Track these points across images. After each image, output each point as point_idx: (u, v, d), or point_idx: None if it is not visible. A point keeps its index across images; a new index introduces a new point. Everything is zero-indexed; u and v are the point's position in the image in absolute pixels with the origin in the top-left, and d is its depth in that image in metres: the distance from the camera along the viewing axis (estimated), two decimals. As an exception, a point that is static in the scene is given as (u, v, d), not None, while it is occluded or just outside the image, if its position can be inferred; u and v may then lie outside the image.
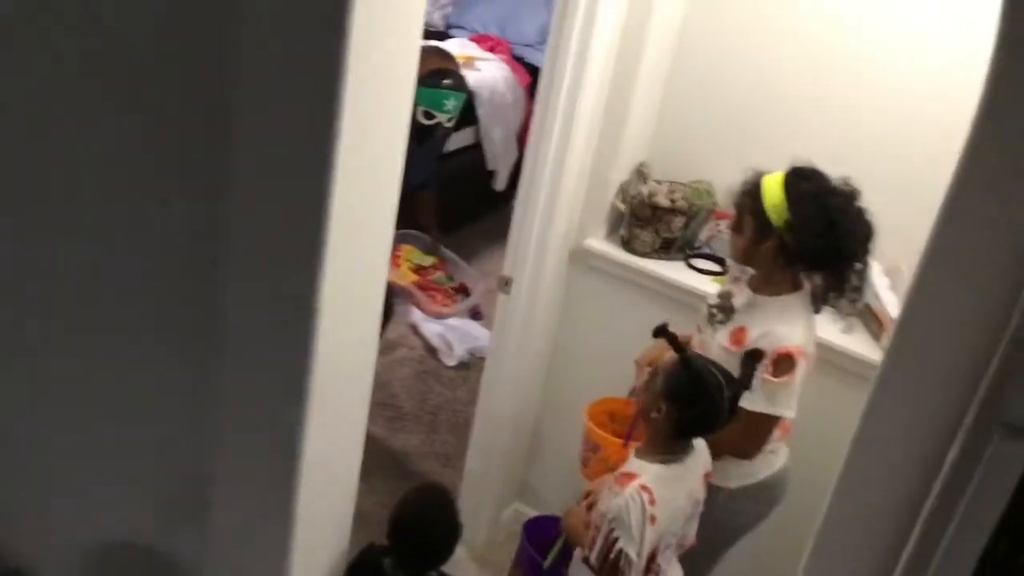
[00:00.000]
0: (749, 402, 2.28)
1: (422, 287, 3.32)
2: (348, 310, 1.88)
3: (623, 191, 2.95)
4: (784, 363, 2.29)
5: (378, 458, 3.62)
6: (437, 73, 3.14)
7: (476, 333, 4.34)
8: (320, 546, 2.16)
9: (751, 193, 2.31)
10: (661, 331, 2.24)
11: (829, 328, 2.71)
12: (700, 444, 2.29)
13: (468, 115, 4.98)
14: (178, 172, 1.88)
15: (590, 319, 3.10)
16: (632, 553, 2.13)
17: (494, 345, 3.15)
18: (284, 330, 1.84)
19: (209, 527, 2.11)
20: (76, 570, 2.54)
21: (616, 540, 2.13)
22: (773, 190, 2.27)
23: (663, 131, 2.99)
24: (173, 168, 1.88)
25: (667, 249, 2.95)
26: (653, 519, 2.14)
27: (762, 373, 2.30)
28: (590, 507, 2.29)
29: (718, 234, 2.98)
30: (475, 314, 4.75)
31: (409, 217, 3.52)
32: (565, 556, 2.44)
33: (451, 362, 4.27)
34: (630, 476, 2.19)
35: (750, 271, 2.43)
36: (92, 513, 2.41)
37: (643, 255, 2.96)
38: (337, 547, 2.24)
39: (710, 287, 2.77)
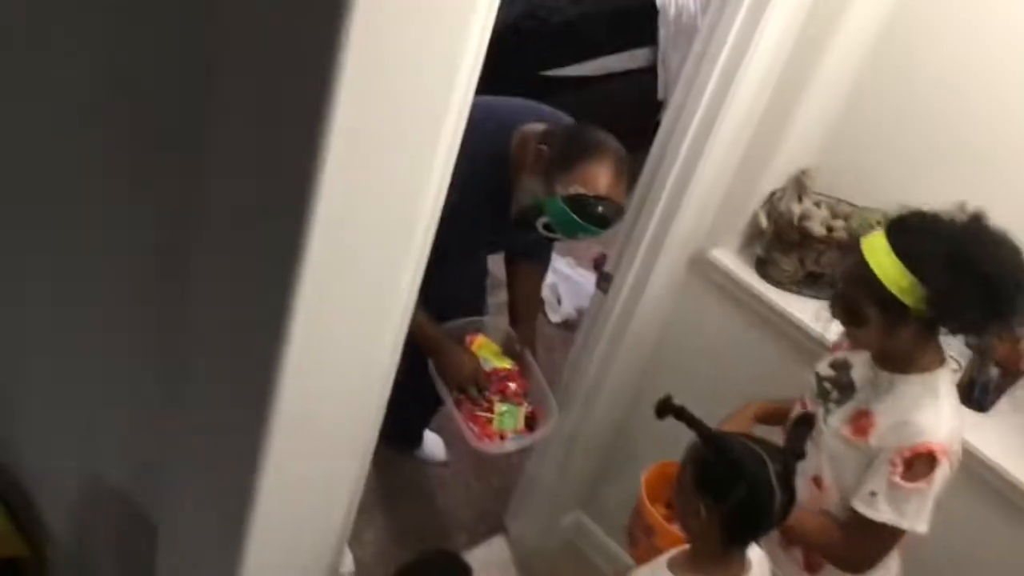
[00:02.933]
0: (870, 508, 1.82)
1: (474, 400, 2.46)
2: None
3: (771, 203, 2.33)
4: (922, 464, 1.79)
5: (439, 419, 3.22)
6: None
7: (592, 290, 3.80)
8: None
9: (859, 277, 1.76)
10: (665, 408, 1.76)
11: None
12: (759, 571, 1.80)
13: (643, 34, 4.33)
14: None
15: (700, 344, 2.54)
16: None
17: (578, 347, 2.65)
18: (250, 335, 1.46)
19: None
20: (65, 501, 2.39)
21: None
22: (886, 265, 1.71)
23: (840, 136, 2.33)
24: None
25: (812, 284, 2.34)
26: None
27: (890, 471, 1.79)
28: None
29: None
30: (598, 264, 4.23)
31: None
32: None
33: (555, 318, 3.79)
34: None
35: None
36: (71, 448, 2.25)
37: (779, 285, 2.36)
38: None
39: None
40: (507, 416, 2.45)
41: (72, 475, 2.30)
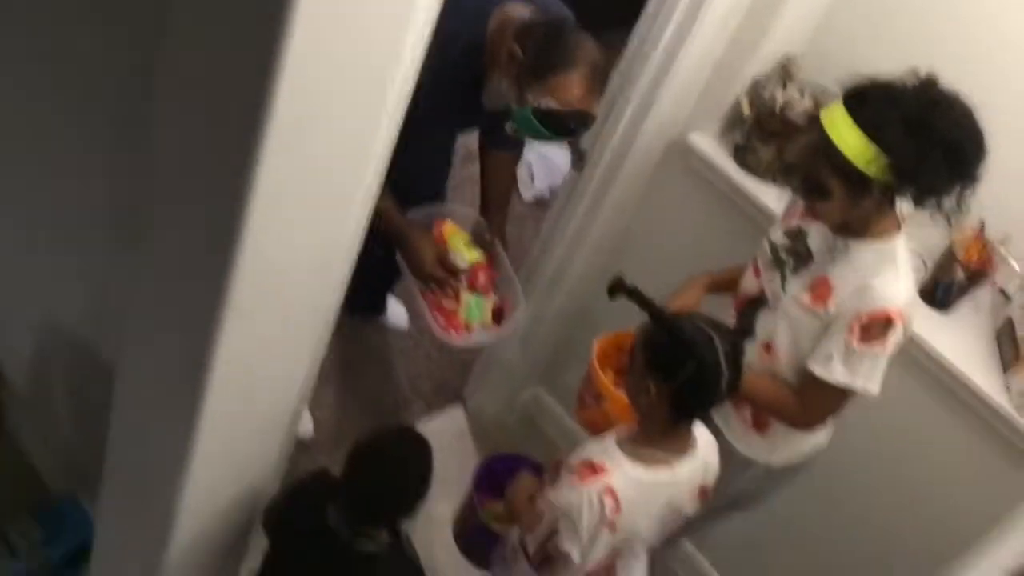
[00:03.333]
0: (825, 370, 1.85)
1: (440, 290, 2.39)
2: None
3: (754, 89, 2.28)
4: (878, 327, 1.82)
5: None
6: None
7: (566, 168, 3.75)
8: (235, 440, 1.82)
9: (821, 152, 1.73)
10: (617, 287, 1.77)
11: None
12: (705, 451, 1.84)
13: None
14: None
15: (672, 227, 2.53)
16: (574, 555, 1.77)
17: (549, 225, 2.63)
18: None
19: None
20: (22, 346, 2.37)
21: (558, 534, 1.76)
22: (849, 138, 1.69)
23: (832, 21, 2.25)
24: None
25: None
26: (613, 526, 1.75)
27: (847, 334, 1.82)
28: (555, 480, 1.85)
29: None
30: (574, 143, 4.16)
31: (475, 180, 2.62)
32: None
33: (527, 195, 3.75)
34: (596, 469, 1.75)
35: None
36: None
37: (755, 173, 2.33)
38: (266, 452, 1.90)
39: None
40: (474, 308, 2.40)
41: (29, 321, 2.28)
